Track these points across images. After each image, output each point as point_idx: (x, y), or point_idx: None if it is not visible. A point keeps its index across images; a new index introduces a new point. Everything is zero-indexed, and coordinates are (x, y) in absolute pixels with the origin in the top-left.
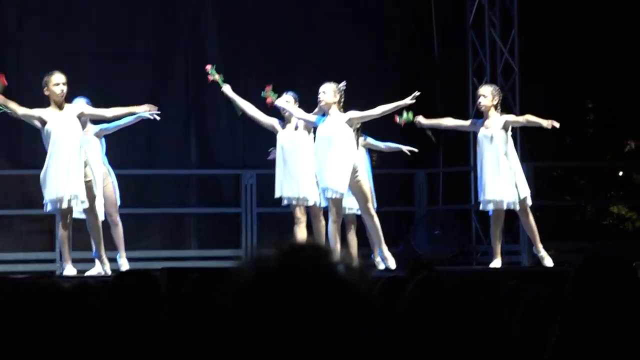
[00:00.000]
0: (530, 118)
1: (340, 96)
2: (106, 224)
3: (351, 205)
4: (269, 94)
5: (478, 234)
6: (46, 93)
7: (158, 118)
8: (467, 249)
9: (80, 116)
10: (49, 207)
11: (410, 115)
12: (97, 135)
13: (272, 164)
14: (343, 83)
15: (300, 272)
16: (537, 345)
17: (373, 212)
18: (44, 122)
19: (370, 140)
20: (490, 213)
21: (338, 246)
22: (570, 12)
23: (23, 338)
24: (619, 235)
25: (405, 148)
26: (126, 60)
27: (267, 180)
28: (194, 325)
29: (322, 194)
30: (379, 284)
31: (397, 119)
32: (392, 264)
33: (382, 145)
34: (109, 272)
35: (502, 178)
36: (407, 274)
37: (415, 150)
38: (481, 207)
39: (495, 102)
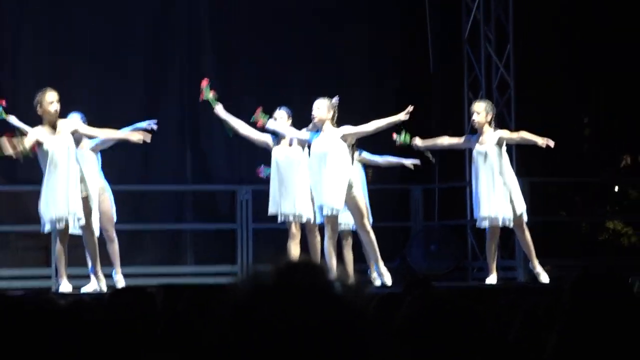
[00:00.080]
0: (524, 135)
1: (334, 112)
2: (101, 240)
3: (347, 220)
4: (259, 117)
5: (474, 249)
6: (39, 112)
7: (155, 128)
8: (463, 264)
9: (74, 133)
10: (47, 227)
11: (407, 137)
12: (93, 149)
13: (267, 179)
14: (336, 98)
15: (297, 289)
16: (535, 356)
17: (369, 227)
18: (40, 143)
19: (366, 155)
20: (487, 229)
21: (334, 262)
22: (565, 27)
23: (19, 355)
24: (615, 251)
25: (407, 162)
26: (121, 76)
27: (263, 196)
28: (190, 342)
29: (318, 211)
30: (375, 300)
31: (395, 137)
32: (388, 279)
33: (380, 159)
34: (105, 289)
35: (497, 194)
36: (403, 290)
37: (418, 162)
38: (477, 224)
39: (489, 119)
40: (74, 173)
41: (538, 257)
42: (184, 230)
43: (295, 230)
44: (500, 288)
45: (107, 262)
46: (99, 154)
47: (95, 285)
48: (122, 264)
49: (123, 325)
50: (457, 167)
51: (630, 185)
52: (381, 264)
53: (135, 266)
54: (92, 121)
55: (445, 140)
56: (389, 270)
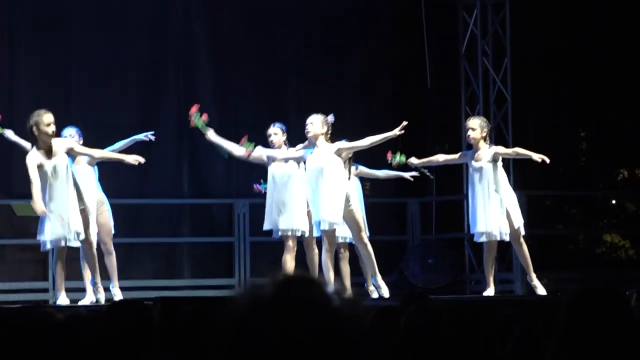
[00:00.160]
0: (519, 151)
1: (328, 128)
2: (99, 252)
3: (344, 234)
4: (244, 147)
5: (471, 262)
6: (35, 133)
7: (153, 139)
8: (460, 277)
9: (69, 152)
10: (47, 246)
11: (403, 157)
12: (90, 163)
13: (265, 195)
14: (331, 116)
15: (294, 302)
16: None
17: (367, 240)
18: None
19: (363, 169)
20: (484, 244)
21: (332, 275)
22: (562, 41)
23: None
24: (612, 264)
25: (407, 174)
26: (118, 90)
27: (260, 209)
28: (187, 355)
29: (315, 226)
30: (372, 313)
31: (390, 157)
32: (385, 292)
33: (379, 173)
34: (103, 301)
35: (493, 209)
36: (401, 304)
37: (418, 174)
38: (475, 239)
39: (484, 134)
40: (72, 193)
41: (535, 270)
42: (181, 244)
43: (291, 244)
44: (497, 301)
45: (104, 275)
46: (96, 167)
47: (92, 297)
48: (120, 278)
49: (120, 338)
50: (454, 180)
51: (628, 198)
52: (379, 277)
53: (132, 280)
54: (88, 135)
55: (440, 158)
56: (387, 283)
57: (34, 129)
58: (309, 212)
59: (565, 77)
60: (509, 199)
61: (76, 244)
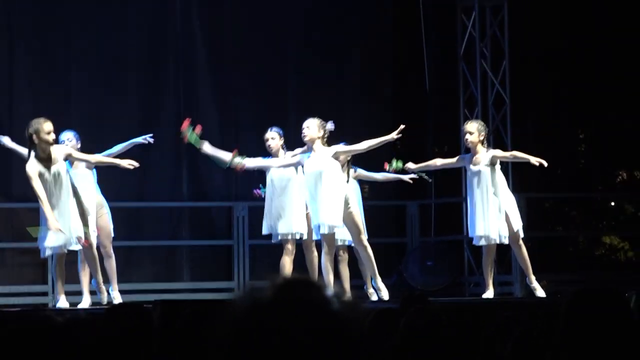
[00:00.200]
0: (517, 154)
1: (324, 131)
2: (99, 255)
3: (343, 236)
4: (235, 162)
5: (470, 264)
6: (35, 141)
7: (152, 141)
8: (459, 279)
9: (66, 159)
10: (48, 253)
11: (400, 163)
12: (88, 167)
13: (264, 199)
14: (330, 123)
15: (294, 305)
16: None
17: (366, 243)
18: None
19: (361, 171)
20: (483, 247)
21: (331, 278)
22: (561, 43)
23: None
24: (611, 266)
25: (406, 177)
26: (117, 93)
27: (259, 213)
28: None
29: (315, 230)
30: (371, 315)
31: (387, 167)
32: (385, 295)
33: (378, 175)
34: (105, 302)
35: (492, 213)
36: (400, 306)
37: (417, 176)
38: (474, 243)
39: (481, 138)
40: (72, 199)
41: (535, 272)
42: (180, 247)
43: (290, 247)
44: (497, 303)
45: (104, 278)
46: (94, 170)
47: (89, 300)
48: (119, 281)
49: (120, 341)
50: (453, 183)
51: (627, 200)
52: (379, 279)
53: (131, 283)
54: (87, 139)
55: (438, 162)
56: (386, 286)
57: (34, 136)
58: (307, 215)
59: (565, 77)
60: (508, 202)
61: (77, 247)
